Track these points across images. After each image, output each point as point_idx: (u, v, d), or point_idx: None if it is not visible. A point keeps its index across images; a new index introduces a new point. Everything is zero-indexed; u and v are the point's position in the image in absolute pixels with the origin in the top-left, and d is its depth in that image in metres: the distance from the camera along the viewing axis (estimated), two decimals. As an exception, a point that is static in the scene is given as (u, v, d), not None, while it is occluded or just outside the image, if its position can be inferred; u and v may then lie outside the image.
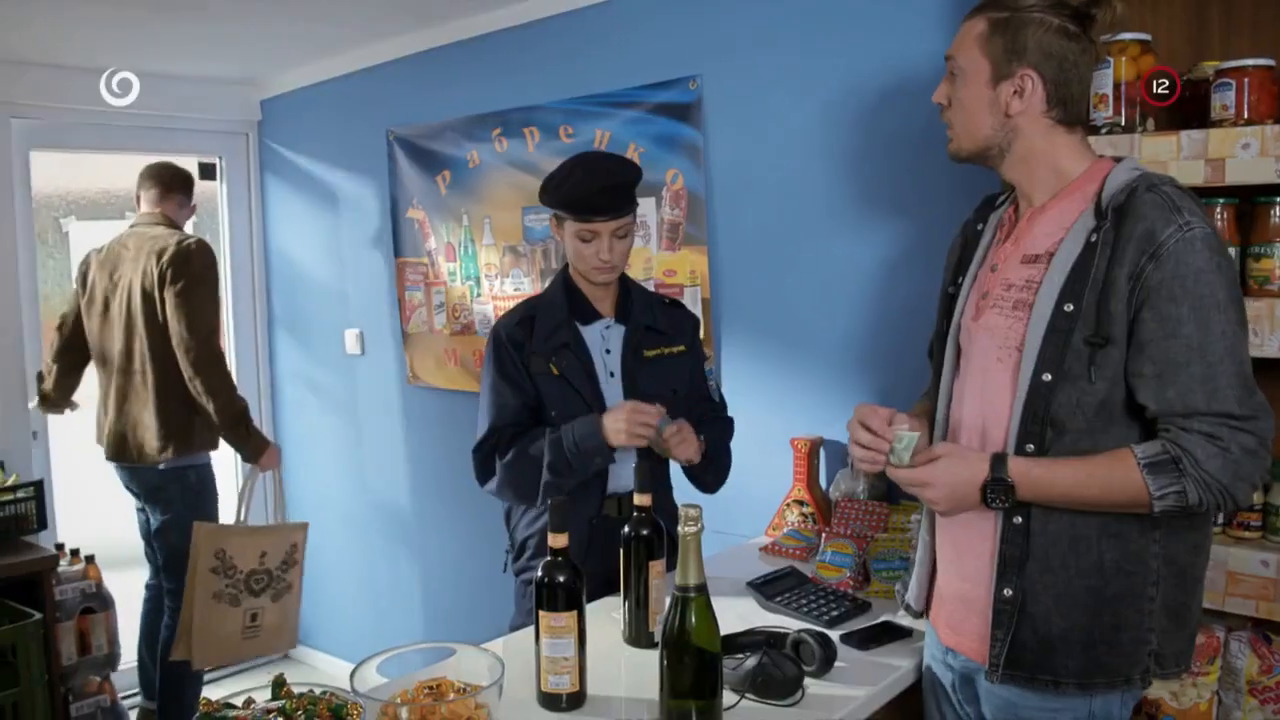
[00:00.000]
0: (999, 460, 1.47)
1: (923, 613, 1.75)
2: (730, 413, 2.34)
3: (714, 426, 2.26)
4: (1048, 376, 1.45)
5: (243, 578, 3.16)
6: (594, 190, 2.06)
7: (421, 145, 3.61)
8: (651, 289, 2.77)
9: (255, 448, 3.34)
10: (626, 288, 2.23)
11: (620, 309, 2.21)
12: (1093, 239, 1.44)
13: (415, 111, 3.62)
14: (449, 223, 3.56)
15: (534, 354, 2.12)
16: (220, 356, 3.26)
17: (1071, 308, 1.44)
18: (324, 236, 4.15)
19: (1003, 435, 1.52)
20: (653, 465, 1.97)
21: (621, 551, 1.85)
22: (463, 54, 3.43)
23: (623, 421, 2.00)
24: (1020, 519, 1.49)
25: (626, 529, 1.84)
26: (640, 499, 1.84)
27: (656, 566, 1.85)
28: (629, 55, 2.94)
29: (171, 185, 3.44)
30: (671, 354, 2.23)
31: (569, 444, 2.03)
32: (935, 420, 1.70)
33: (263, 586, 3.21)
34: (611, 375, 2.16)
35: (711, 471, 2.23)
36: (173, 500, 3.33)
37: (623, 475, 2.11)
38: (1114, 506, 1.44)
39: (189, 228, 3.56)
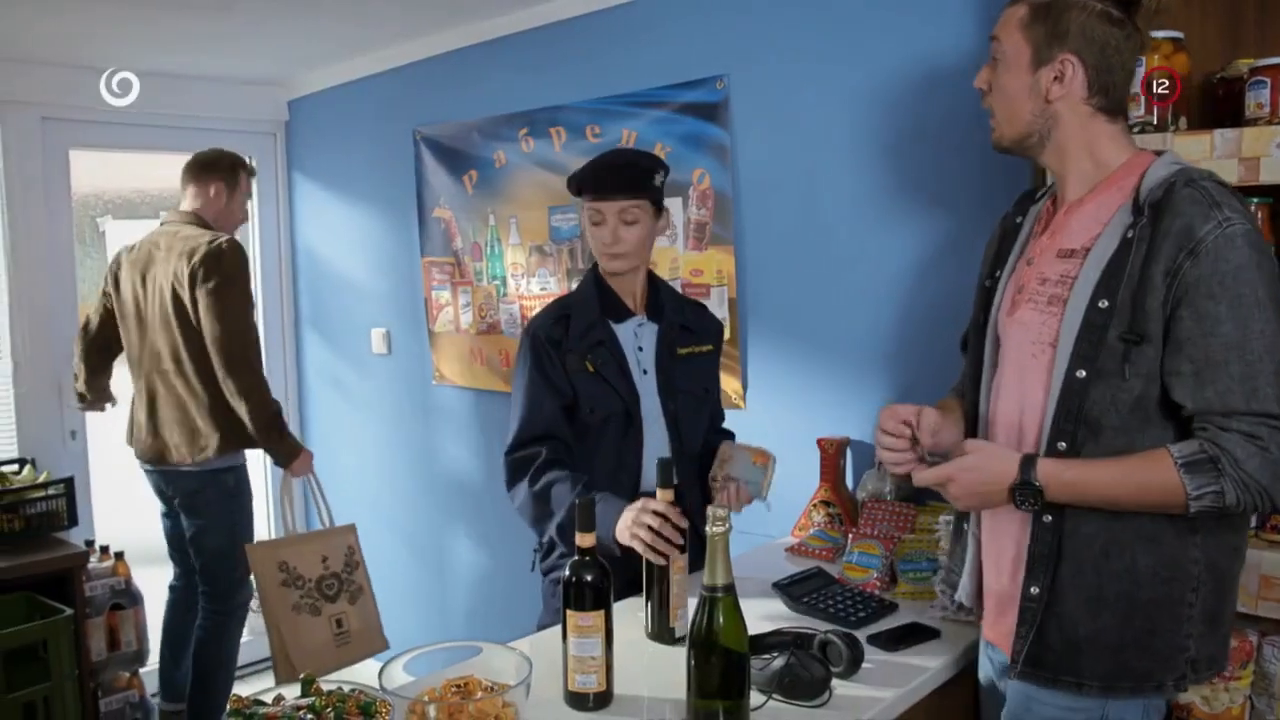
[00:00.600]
0: (1028, 462, 1.46)
1: (973, 609, 1.74)
2: (757, 413, 2.34)
3: (724, 436, 2.33)
4: (1082, 373, 1.44)
5: (313, 585, 3.13)
6: (602, 166, 2.09)
7: (448, 145, 3.62)
8: (678, 289, 2.77)
9: (288, 453, 3.28)
10: (655, 286, 2.24)
11: (650, 307, 2.21)
12: (1129, 234, 1.42)
13: (442, 111, 3.64)
14: (475, 222, 3.57)
15: (570, 352, 2.12)
16: (255, 358, 3.19)
17: (1106, 304, 1.42)
18: (351, 236, 4.18)
19: (1037, 431, 1.51)
20: (678, 464, 1.96)
21: None
22: (489, 54, 3.44)
23: (628, 515, 1.89)
24: (1050, 518, 1.48)
25: None
26: (662, 495, 1.85)
27: (678, 561, 1.85)
28: (655, 55, 2.93)
29: (201, 174, 3.33)
30: (701, 352, 2.25)
31: None
32: (973, 416, 1.69)
33: (335, 591, 3.18)
34: (645, 372, 2.17)
35: None
36: (210, 503, 3.28)
37: (653, 475, 2.10)
38: (1148, 507, 1.42)
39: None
